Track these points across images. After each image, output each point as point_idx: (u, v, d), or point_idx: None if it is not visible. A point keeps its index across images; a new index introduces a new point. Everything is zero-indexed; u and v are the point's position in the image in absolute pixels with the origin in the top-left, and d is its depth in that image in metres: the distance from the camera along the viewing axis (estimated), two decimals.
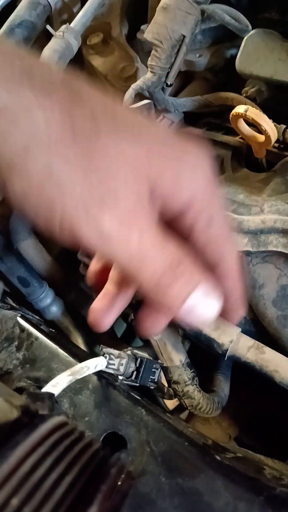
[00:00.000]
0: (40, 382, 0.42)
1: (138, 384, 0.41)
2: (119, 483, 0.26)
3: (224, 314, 0.31)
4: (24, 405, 0.29)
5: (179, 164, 0.27)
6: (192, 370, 0.53)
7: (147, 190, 0.26)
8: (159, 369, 0.42)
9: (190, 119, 0.67)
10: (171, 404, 0.64)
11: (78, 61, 0.75)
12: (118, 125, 0.26)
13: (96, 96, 0.27)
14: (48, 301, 0.62)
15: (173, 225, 0.28)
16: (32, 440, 0.25)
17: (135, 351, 0.41)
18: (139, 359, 0.40)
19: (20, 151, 0.24)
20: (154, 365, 0.41)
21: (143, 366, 0.40)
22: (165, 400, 0.59)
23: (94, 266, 0.36)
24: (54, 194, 0.25)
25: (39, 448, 0.25)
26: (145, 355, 0.41)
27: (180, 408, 0.62)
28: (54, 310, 0.63)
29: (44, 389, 0.35)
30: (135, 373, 0.41)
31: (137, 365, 0.41)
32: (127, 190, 0.25)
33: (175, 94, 0.70)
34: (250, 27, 0.59)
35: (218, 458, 0.36)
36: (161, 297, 0.27)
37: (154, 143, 0.27)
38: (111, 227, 0.25)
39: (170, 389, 0.52)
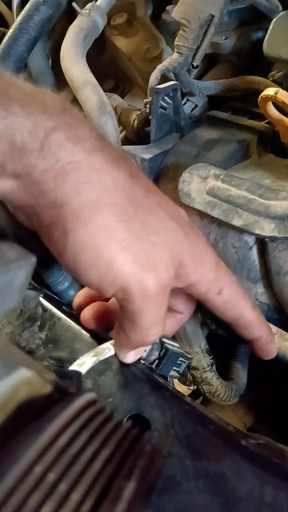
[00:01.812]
0: (63, 362, 0.41)
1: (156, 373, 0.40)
2: (154, 460, 0.26)
3: (262, 353, 0.40)
4: (55, 381, 0.29)
5: (195, 255, 0.34)
6: (211, 357, 0.52)
7: (177, 263, 0.33)
8: (186, 362, 0.41)
9: (215, 103, 0.66)
10: (183, 391, 0.63)
11: (100, 45, 0.74)
12: (161, 204, 0.33)
13: (145, 177, 0.35)
14: (66, 285, 0.62)
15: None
16: (68, 414, 0.25)
17: (165, 339, 0.40)
18: (164, 349, 0.40)
19: (89, 205, 0.28)
20: (180, 358, 0.41)
21: (166, 357, 0.40)
22: (176, 387, 0.59)
23: (81, 299, 0.42)
24: (116, 252, 0.29)
25: (75, 422, 0.25)
26: (174, 345, 0.41)
27: (195, 394, 0.62)
28: (72, 293, 0.62)
29: (71, 368, 0.35)
30: (156, 361, 0.40)
31: (161, 355, 0.40)
32: (169, 259, 0.31)
33: (199, 77, 0.69)
34: (280, 7, 0.58)
35: (243, 443, 0.36)
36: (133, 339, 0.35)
37: (183, 224, 0.34)
38: (153, 290, 0.31)
39: (189, 375, 0.52)
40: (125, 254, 0.30)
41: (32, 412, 0.26)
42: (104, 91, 0.67)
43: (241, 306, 0.38)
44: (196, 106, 0.64)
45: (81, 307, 0.42)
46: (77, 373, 0.33)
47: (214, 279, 0.35)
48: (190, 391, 0.62)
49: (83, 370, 0.35)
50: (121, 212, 0.30)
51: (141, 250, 0.30)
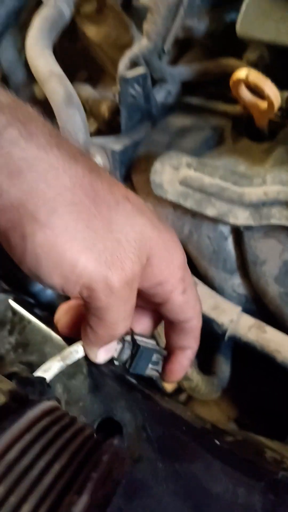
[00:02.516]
0: (33, 367, 0.40)
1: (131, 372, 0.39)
2: (112, 470, 0.25)
3: (176, 366, 0.40)
4: (13, 390, 0.27)
5: (165, 252, 0.33)
6: None
7: (144, 260, 0.32)
8: (163, 359, 0.40)
9: (188, 88, 0.64)
10: (169, 387, 0.62)
11: (72, 34, 0.72)
12: (128, 197, 0.32)
13: (107, 172, 0.33)
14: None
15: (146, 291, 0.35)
16: (18, 427, 0.24)
17: (137, 337, 0.39)
18: (135, 347, 0.38)
19: (47, 206, 0.27)
20: (155, 355, 0.39)
21: (137, 354, 0.38)
22: (164, 383, 0.58)
23: (64, 318, 0.40)
24: (77, 252, 0.28)
25: (26, 434, 0.24)
26: (148, 342, 0.39)
27: (179, 390, 0.61)
28: (49, 293, 0.61)
29: (35, 374, 0.34)
30: (129, 360, 0.39)
31: (133, 353, 0.39)
32: (135, 257, 0.31)
33: (174, 62, 0.67)
34: None
35: (217, 442, 0.35)
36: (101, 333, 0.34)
37: (153, 219, 0.33)
38: (118, 286, 0.30)
39: None
40: (87, 253, 0.29)
41: None
42: (78, 81, 0.65)
43: (196, 309, 0.37)
44: (170, 92, 0.62)
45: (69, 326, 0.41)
46: (40, 380, 0.32)
47: (181, 278, 0.34)
48: (176, 387, 0.61)
49: (48, 375, 0.34)
50: (80, 211, 0.29)
51: (104, 248, 0.29)
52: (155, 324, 0.42)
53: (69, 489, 0.23)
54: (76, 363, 0.37)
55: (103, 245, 0.29)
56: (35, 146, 0.27)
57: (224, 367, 0.52)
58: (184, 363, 0.40)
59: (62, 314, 0.41)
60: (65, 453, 0.24)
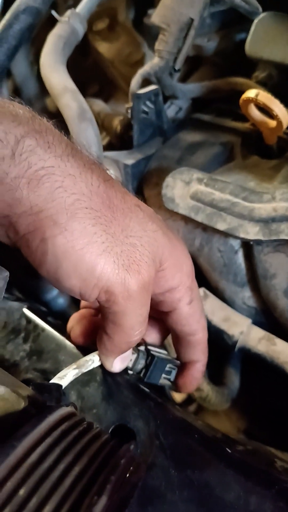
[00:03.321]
0: (47, 374, 0.41)
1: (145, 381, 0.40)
2: (129, 474, 0.26)
3: (187, 379, 0.41)
4: (31, 395, 0.28)
5: (176, 259, 0.34)
6: None
7: (158, 264, 0.33)
8: (176, 369, 0.41)
9: (199, 105, 0.65)
10: (179, 397, 0.63)
11: (84, 49, 0.74)
12: (140, 206, 0.33)
13: (119, 182, 0.34)
14: (54, 293, 0.62)
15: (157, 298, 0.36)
16: (39, 431, 0.24)
17: (150, 347, 0.40)
18: (150, 357, 0.39)
19: (67, 210, 0.28)
20: (169, 365, 0.40)
21: (152, 364, 0.39)
22: (173, 393, 0.59)
23: (77, 327, 0.41)
24: (97, 255, 0.29)
25: (47, 438, 0.24)
26: (161, 352, 0.40)
27: (188, 401, 0.61)
28: (61, 301, 0.62)
29: (51, 381, 0.35)
30: (143, 370, 0.40)
31: (147, 363, 0.39)
32: (150, 260, 0.32)
33: (183, 79, 0.69)
34: (260, 9, 0.57)
35: (228, 450, 0.35)
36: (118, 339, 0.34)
37: (163, 226, 0.34)
38: (136, 289, 0.31)
39: None
40: (106, 257, 0.29)
41: (4, 429, 0.26)
42: (89, 95, 0.67)
43: (202, 323, 0.38)
44: (180, 109, 0.64)
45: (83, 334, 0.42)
46: (57, 386, 0.33)
47: (189, 286, 0.35)
48: (186, 397, 0.62)
49: (64, 383, 0.35)
50: (98, 216, 0.30)
51: (121, 252, 0.30)
52: (164, 336, 0.43)
53: (88, 491, 0.23)
54: (91, 372, 0.38)
55: (120, 249, 0.30)
56: (52, 156, 0.28)
57: (234, 378, 0.53)
58: (195, 375, 0.41)
59: (75, 323, 0.42)
60: (84, 457, 0.25)
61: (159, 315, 0.39)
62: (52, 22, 0.65)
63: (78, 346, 0.42)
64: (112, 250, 0.30)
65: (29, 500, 0.22)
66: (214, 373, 0.54)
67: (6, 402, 0.26)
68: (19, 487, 0.22)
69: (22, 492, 0.22)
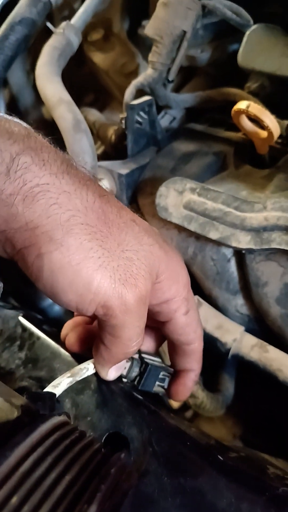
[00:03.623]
0: (42, 382, 0.41)
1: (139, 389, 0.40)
2: (120, 482, 0.26)
3: (180, 388, 0.41)
4: (24, 405, 0.29)
5: (172, 271, 0.35)
6: None
7: (154, 277, 0.33)
8: (169, 376, 0.41)
9: (192, 115, 0.66)
10: (176, 403, 0.63)
11: (80, 58, 0.75)
12: (135, 220, 0.33)
13: (114, 197, 0.35)
14: (50, 301, 0.62)
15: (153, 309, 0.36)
16: (31, 440, 0.25)
17: (144, 355, 0.40)
18: (144, 364, 0.40)
19: (62, 226, 0.29)
20: (162, 372, 0.41)
21: (146, 372, 0.40)
22: (170, 400, 0.59)
23: (68, 331, 0.42)
24: (93, 270, 0.29)
25: (39, 447, 0.25)
26: (155, 360, 0.41)
27: (184, 407, 0.62)
28: (57, 308, 0.63)
29: (45, 390, 0.35)
30: (138, 378, 0.40)
31: (141, 370, 0.40)
32: (146, 273, 0.32)
33: (177, 90, 0.70)
34: (252, 22, 0.58)
35: (220, 458, 0.36)
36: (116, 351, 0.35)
37: (159, 240, 0.34)
38: (133, 303, 0.31)
39: None
40: (102, 272, 0.30)
41: None
42: (84, 104, 0.68)
43: (198, 332, 0.38)
44: (174, 118, 0.65)
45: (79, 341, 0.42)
46: (51, 395, 0.34)
47: (185, 297, 0.36)
48: (181, 404, 0.62)
49: (58, 391, 0.35)
50: (94, 231, 0.30)
51: (118, 266, 0.31)
52: (159, 344, 0.44)
53: (79, 499, 0.24)
54: (85, 379, 0.38)
55: (116, 263, 0.31)
56: (47, 173, 0.29)
57: (228, 385, 0.53)
58: (188, 384, 0.41)
59: (69, 330, 0.42)
60: (75, 466, 0.25)
61: (155, 324, 0.40)
62: (48, 33, 0.66)
63: (72, 354, 0.42)
64: (108, 264, 0.30)
65: (21, 508, 0.22)
66: (209, 380, 0.55)
67: (0, 412, 0.27)
68: (11, 495, 0.23)
69: (14, 500, 0.23)
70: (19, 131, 0.30)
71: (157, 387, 0.41)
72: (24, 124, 0.31)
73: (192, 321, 0.38)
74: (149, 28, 0.58)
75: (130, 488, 0.27)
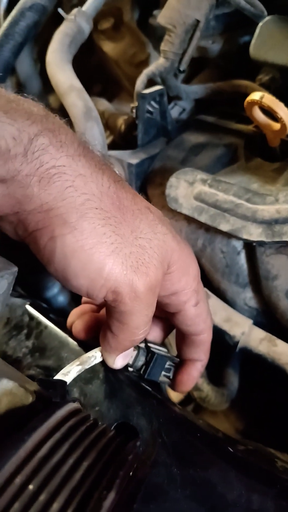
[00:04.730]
0: (50, 371, 0.41)
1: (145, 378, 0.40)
2: (136, 470, 0.26)
3: (185, 378, 0.41)
4: (37, 391, 0.28)
5: (183, 262, 0.34)
6: None
7: (166, 267, 0.33)
8: (175, 366, 0.41)
9: (202, 106, 0.66)
10: (176, 397, 0.63)
11: (88, 48, 0.74)
12: (150, 208, 0.33)
13: (128, 184, 0.34)
14: (55, 291, 0.62)
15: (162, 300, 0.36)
16: (48, 425, 0.25)
17: (150, 344, 0.40)
18: (150, 353, 0.39)
19: (77, 210, 0.29)
20: (168, 362, 0.40)
21: (153, 361, 0.39)
22: (170, 393, 0.59)
23: (74, 319, 0.42)
24: (105, 255, 0.29)
25: (56, 433, 0.25)
26: (162, 349, 0.40)
27: (186, 401, 0.61)
28: (61, 299, 0.62)
29: (56, 377, 0.35)
30: (144, 367, 0.40)
31: (147, 360, 0.40)
32: (158, 263, 0.32)
33: (187, 81, 0.69)
34: (265, 12, 0.58)
35: (230, 449, 0.36)
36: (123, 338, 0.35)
37: (172, 230, 0.34)
38: (143, 291, 0.31)
39: None
40: (114, 258, 0.30)
41: (13, 423, 0.26)
42: (93, 94, 0.67)
43: (208, 323, 0.38)
44: (184, 110, 0.64)
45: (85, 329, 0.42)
46: (62, 383, 0.33)
47: (195, 289, 0.36)
48: (184, 397, 0.62)
49: (68, 379, 0.35)
50: (108, 217, 0.30)
51: (130, 253, 0.30)
52: (166, 333, 0.43)
53: (97, 486, 0.23)
54: (93, 369, 0.38)
55: (129, 250, 0.30)
56: (64, 155, 0.29)
57: (233, 379, 0.53)
58: (194, 374, 0.41)
59: (76, 318, 0.42)
60: (93, 452, 0.25)
61: (163, 314, 0.39)
62: (56, 20, 0.65)
63: (80, 344, 0.42)
64: (121, 251, 0.30)
65: (39, 495, 0.22)
66: (214, 373, 0.55)
67: (14, 397, 0.26)
68: (29, 481, 0.22)
69: (31, 486, 0.22)
70: (37, 111, 0.29)
71: (163, 377, 0.41)
72: (42, 105, 0.31)
73: (202, 312, 0.38)
74: (162, 17, 0.57)
75: (146, 476, 0.26)
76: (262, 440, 0.50)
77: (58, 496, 0.22)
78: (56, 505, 0.22)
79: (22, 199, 0.28)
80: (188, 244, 0.37)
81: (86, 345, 0.42)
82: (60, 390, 0.32)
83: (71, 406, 0.28)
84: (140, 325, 0.33)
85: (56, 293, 0.61)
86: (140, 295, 0.31)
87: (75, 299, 0.65)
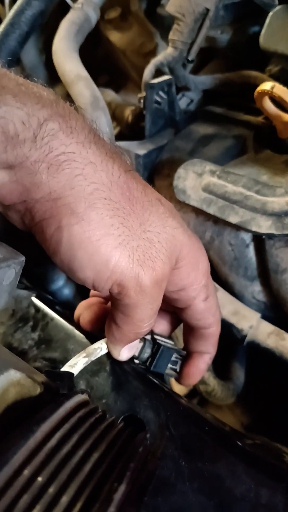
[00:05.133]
0: (56, 363, 0.40)
1: (151, 370, 0.40)
2: (145, 463, 0.25)
3: (194, 370, 0.40)
4: (45, 382, 0.28)
5: (192, 258, 0.34)
6: None
7: (174, 262, 0.32)
8: (181, 359, 0.41)
9: (211, 97, 0.65)
10: (179, 391, 0.63)
11: (94, 38, 0.73)
12: (161, 200, 0.33)
13: (138, 174, 0.33)
14: (60, 283, 0.61)
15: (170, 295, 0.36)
16: (58, 416, 0.24)
17: (157, 336, 0.40)
18: (156, 345, 0.39)
19: (85, 199, 0.28)
20: (175, 355, 0.40)
21: (159, 353, 0.39)
22: (174, 387, 0.59)
23: (81, 311, 0.42)
24: (113, 247, 0.29)
25: (65, 424, 0.24)
26: (168, 342, 0.40)
27: (190, 395, 0.61)
28: (67, 292, 0.62)
29: (62, 369, 0.34)
30: (150, 359, 0.39)
31: (153, 351, 0.39)
32: (165, 257, 0.31)
33: (195, 71, 0.68)
34: (276, 1, 0.57)
35: (238, 443, 0.35)
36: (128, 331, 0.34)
37: (183, 223, 0.34)
38: (149, 285, 0.30)
39: None
40: (121, 250, 0.29)
41: (21, 414, 0.25)
42: (99, 85, 0.67)
43: (217, 316, 0.38)
44: (192, 101, 0.63)
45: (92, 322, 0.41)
46: (69, 374, 0.33)
47: (204, 284, 0.35)
48: (188, 391, 0.62)
49: (75, 371, 0.34)
50: (116, 208, 0.29)
51: (137, 247, 0.30)
52: (174, 327, 0.43)
53: (107, 478, 0.23)
54: (99, 361, 0.38)
55: (136, 243, 0.30)
56: (74, 141, 0.28)
57: (239, 373, 0.53)
58: (201, 367, 0.41)
59: (83, 310, 0.42)
60: (103, 443, 0.25)
61: (172, 308, 0.39)
62: (63, 10, 0.64)
63: (86, 336, 0.41)
64: (128, 244, 0.29)
65: (48, 487, 0.22)
66: (220, 367, 0.54)
67: (22, 388, 0.26)
68: (38, 473, 0.22)
69: (41, 478, 0.22)
70: (47, 96, 0.28)
71: (169, 370, 0.41)
72: (52, 90, 0.30)
73: (212, 306, 0.37)
74: (171, 6, 0.56)
75: (156, 469, 0.26)
76: (268, 435, 0.50)
77: (68, 489, 0.22)
78: (65, 498, 0.21)
79: (30, 186, 0.27)
80: (198, 239, 0.36)
81: (93, 336, 0.42)
82: (67, 382, 0.32)
83: (80, 397, 0.27)
84: (144, 318, 0.33)
85: (61, 286, 0.61)
86: (145, 289, 0.31)
87: (81, 292, 0.64)
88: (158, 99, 0.56)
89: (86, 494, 0.22)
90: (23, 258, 0.30)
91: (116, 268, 0.29)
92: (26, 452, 0.22)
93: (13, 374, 0.26)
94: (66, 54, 0.55)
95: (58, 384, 0.31)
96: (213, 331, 0.39)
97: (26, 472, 0.21)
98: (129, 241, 0.29)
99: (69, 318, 0.44)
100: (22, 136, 0.26)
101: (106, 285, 0.30)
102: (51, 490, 0.21)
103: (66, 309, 0.63)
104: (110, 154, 0.30)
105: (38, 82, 0.30)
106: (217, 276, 0.51)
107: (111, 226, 0.29)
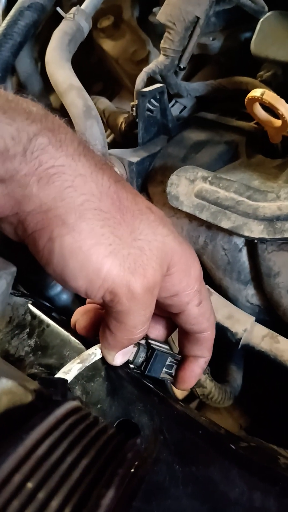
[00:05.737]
0: (52, 369, 0.41)
1: (145, 375, 0.40)
2: (136, 468, 0.26)
3: (188, 374, 0.40)
4: (38, 389, 0.28)
5: (184, 264, 0.34)
6: None
7: (165, 269, 0.33)
8: (177, 364, 0.41)
9: (203, 104, 0.65)
10: (181, 394, 0.63)
11: (88, 46, 0.74)
12: (151, 208, 0.33)
13: (129, 184, 0.34)
14: (58, 289, 0.62)
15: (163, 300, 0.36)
16: (47, 424, 0.25)
17: (151, 341, 0.40)
18: (150, 350, 0.39)
19: (75, 210, 0.28)
20: (169, 359, 0.40)
21: (153, 358, 0.39)
22: (174, 390, 0.59)
23: (82, 319, 0.42)
24: (104, 256, 0.29)
25: (55, 431, 0.25)
26: (163, 346, 0.40)
27: (189, 398, 0.61)
28: (65, 297, 0.62)
29: (56, 376, 0.35)
30: (144, 363, 0.40)
31: (148, 356, 0.40)
32: (156, 265, 0.32)
33: (188, 78, 0.69)
34: (266, 8, 0.57)
35: (232, 447, 0.36)
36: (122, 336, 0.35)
37: (174, 230, 0.34)
38: (140, 292, 0.31)
39: None
40: (112, 259, 0.30)
41: (13, 422, 0.26)
42: (93, 93, 0.67)
43: (211, 320, 0.38)
44: (185, 107, 0.64)
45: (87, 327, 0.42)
46: (63, 381, 0.33)
47: (197, 290, 0.36)
48: (188, 392, 0.62)
49: (69, 377, 0.35)
50: (107, 218, 0.30)
51: (128, 255, 0.30)
52: (169, 332, 0.43)
53: (96, 483, 0.23)
54: (95, 367, 0.38)
55: (127, 251, 0.30)
56: (63, 154, 0.29)
57: (236, 376, 0.53)
58: (196, 371, 0.41)
59: (80, 315, 0.42)
60: (92, 450, 0.25)
61: (167, 314, 0.39)
62: (56, 19, 0.65)
63: (82, 342, 0.42)
64: (118, 252, 0.30)
65: (38, 492, 0.22)
66: (217, 370, 0.55)
67: (14, 396, 0.26)
68: (27, 479, 0.22)
69: (30, 484, 0.22)
70: (37, 111, 0.29)
71: (165, 374, 0.41)
72: (41, 105, 0.31)
73: (206, 311, 0.37)
74: (162, 14, 0.57)
75: (146, 474, 0.26)
76: (265, 437, 0.50)
77: (57, 494, 0.22)
78: (54, 503, 0.22)
79: (21, 199, 0.28)
80: (190, 245, 0.36)
81: (89, 342, 0.42)
82: (61, 389, 0.32)
83: (70, 404, 0.28)
84: (137, 325, 0.33)
85: (59, 291, 0.61)
86: (137, 296, 0.31)
87: (79, 297, 0.65)
88: (150, 106, 0.56)
89: (74, 500, 0.22)
90: (14, 269, 0.30)
91: (108, 276, 0.30)
92: (15, 460, 0.22)
93: (5, 383, 0.26)
94: (58, 64, 0.56)
95: (52, 391, 0.31)
96: (208, 336, 0.39)
97: (16, 479, 0.22)
98: (120, 249, 0.30)
99: (65, 324, 0.45)
100: (13, 151, 0.27)
101: (99, 293, 0.31)
102: (40, 496, 0.22)
103: (65, 315, 0.63)
104: (100, 166, 0.31)
105: (28, 97, 0.30)
106: (211, 281, 0.51)
107: (101, 235, 0.29)
